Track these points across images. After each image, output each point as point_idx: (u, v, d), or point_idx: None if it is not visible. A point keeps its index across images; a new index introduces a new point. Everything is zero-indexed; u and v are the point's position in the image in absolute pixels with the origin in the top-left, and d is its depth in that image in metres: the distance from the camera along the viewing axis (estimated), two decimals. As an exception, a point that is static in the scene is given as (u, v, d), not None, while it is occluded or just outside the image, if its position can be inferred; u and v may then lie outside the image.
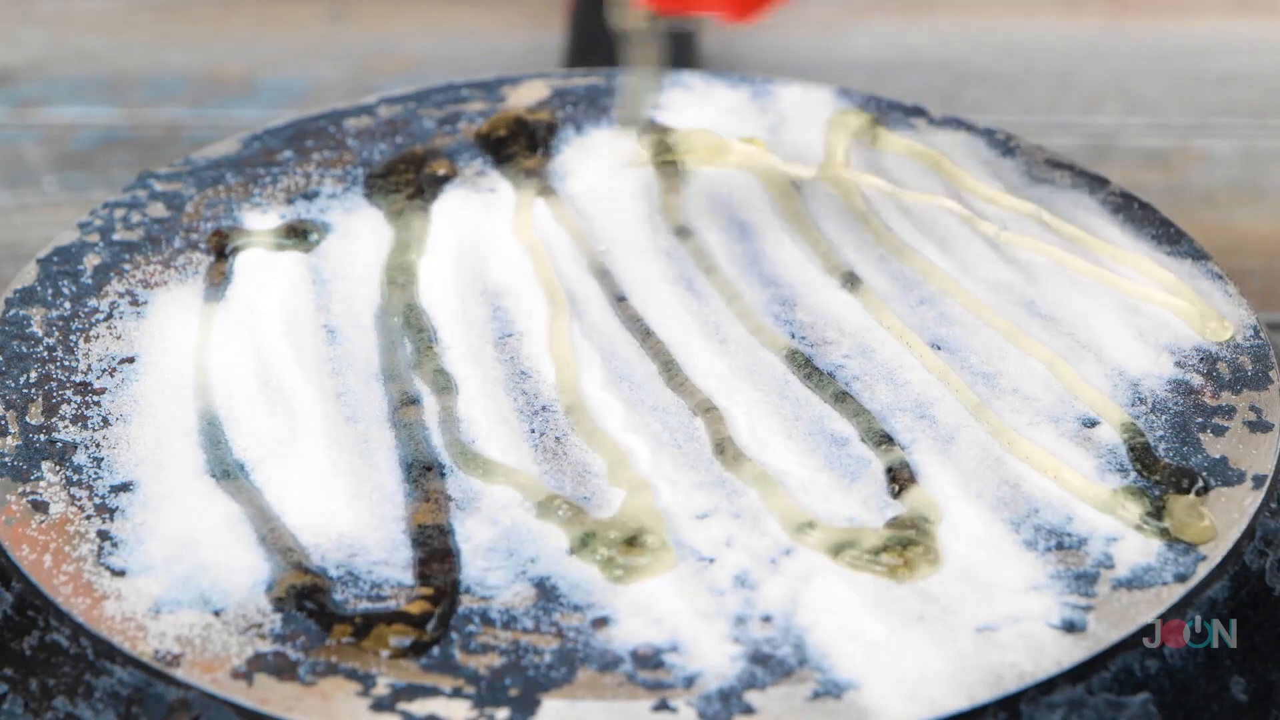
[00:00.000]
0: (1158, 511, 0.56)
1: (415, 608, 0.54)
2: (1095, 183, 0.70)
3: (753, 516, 0.57)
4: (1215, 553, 0.55)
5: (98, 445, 0.59)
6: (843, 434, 0.60)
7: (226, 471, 0.58)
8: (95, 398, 0.61)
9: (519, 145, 0.72)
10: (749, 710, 0.51)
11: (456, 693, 0.52)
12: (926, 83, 0.95)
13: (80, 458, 0.59)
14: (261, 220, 0.69)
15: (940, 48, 0.99)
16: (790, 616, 0.54)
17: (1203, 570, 0.55)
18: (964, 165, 0.70)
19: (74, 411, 0.60)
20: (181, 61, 0.98)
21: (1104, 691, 0.52)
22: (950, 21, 1.00)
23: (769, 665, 0.52)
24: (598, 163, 0.71)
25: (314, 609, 0.54)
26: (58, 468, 0.58)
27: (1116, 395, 0.60)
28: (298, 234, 0.68)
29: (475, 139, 0.72)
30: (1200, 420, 0.59)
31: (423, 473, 0.58)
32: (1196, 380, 0.61)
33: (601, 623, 0.54)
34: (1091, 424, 0.60)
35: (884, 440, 0.59)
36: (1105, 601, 0.54)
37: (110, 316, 0.64)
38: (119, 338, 0.63)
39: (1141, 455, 0.58)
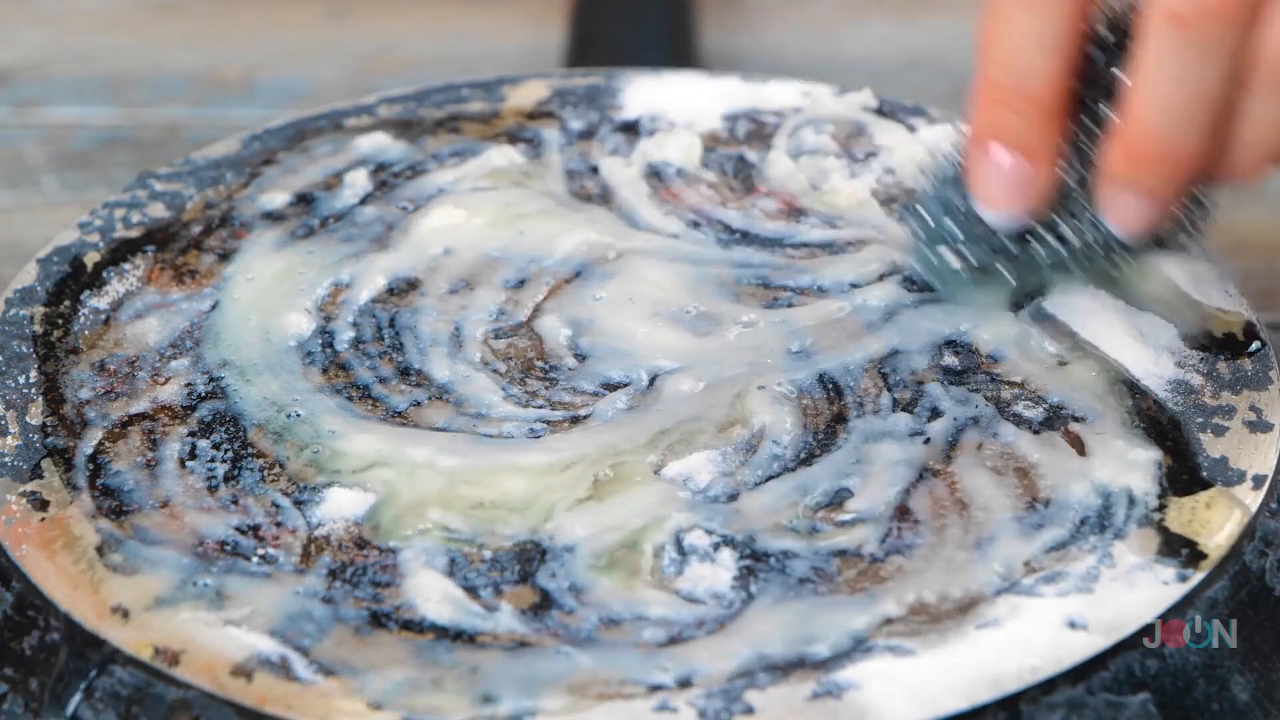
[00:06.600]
0: (1158, 511, 0.56)
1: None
2: (1095, 183, 0.70)
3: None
4: (1215, 552, 0.55)
5: (98, 444, 0.59)
6: (843, 434, 0.60)
7: (227, 472, 0.58)
8: (95, 397, 0.61)
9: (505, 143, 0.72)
10: (749, 710, 0.51)
11: (457, 692, 0.52)
12: (926, 83, 0.95)
13: (80, 457, 0.59)
14: (261, 220, 0.69)
15: (940, 48, 0.98)
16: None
17: (1203, 570, 0.55)
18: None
19: (74, 411, 0.60)
20: (181, 61, 0.98)
21: (1104, 691, 0.52)
22: (950, 21, 1.00)
23: (769, 665, 0.52)
24: (598, 162, 0.71)
25: (314, 608, 0.54)
26: (58, 467, 0.58)
27: (1117, 394, 0.60)
28: (298, 233, 0.68)
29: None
30: (1200, 420, 0.59)
31: (423, 473, 0.58)
32: (1196, 380, 0.61)
33: (602, 623, 0.54)
34: (1093, 423, 0.59)
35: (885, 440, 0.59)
36: (1105, 601, 0.54)
37: (110, 316, 0.64)
38: (119, 338, 0.63)
39: (1141, 455, 0.58)
